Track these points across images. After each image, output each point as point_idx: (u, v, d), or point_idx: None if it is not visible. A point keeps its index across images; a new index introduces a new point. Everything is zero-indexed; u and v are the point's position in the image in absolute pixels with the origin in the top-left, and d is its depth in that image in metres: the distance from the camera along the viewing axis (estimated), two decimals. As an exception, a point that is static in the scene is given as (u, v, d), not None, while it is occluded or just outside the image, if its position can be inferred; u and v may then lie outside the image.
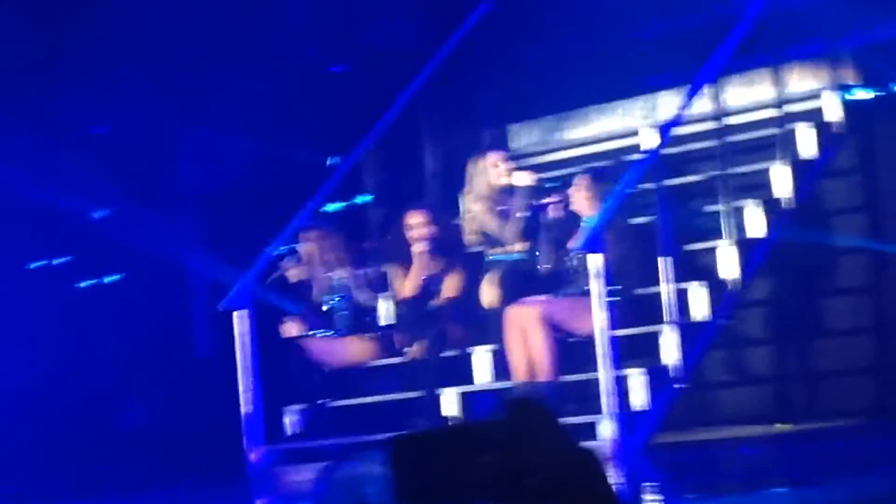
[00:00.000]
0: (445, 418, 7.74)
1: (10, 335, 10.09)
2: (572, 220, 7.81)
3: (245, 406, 7.98)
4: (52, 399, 10.00)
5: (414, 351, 7.89)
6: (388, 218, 8.70)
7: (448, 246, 8.22)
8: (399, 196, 8.76)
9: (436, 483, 2.87)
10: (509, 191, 8.20)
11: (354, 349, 8.22)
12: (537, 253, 7.85)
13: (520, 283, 7.82)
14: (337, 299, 8.26)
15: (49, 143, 10.14)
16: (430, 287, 8.11)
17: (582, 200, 7.77)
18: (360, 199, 9.31)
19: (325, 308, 8.27)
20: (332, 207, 9.34)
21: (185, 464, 8.83)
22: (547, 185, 8.19)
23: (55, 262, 10.81)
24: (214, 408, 8.75)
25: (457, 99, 9.39)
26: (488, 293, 8.01)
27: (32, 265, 10.73)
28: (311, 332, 8.25)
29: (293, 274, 8.30)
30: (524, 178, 8.12)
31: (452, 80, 9.27)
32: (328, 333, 8.24)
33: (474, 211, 8.28)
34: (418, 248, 8.11)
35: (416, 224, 8.17)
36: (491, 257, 8.15)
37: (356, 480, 3.93)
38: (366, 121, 9.04)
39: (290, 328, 8.29)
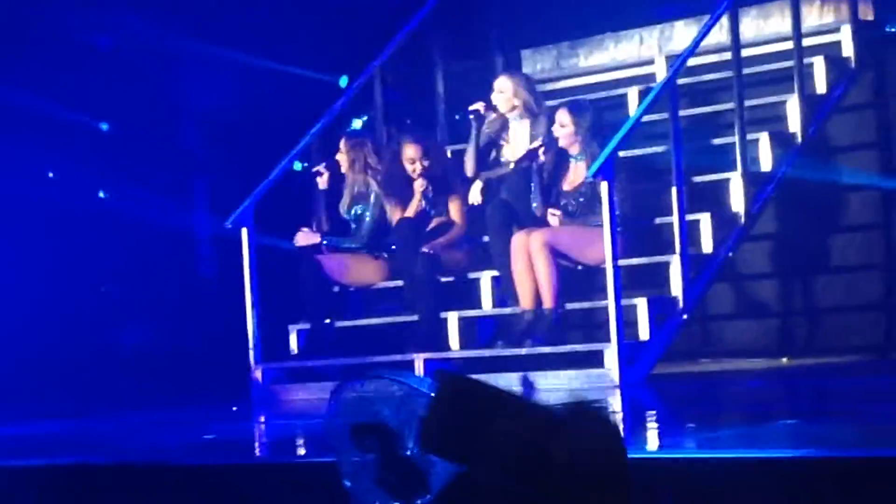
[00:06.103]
0: (447, 343, 7.74)
1: (9, 247, 10.01)
2: (563, 157, 7.70)
3: (249, 323, 7.99)
4: (53, 314, 9.95)
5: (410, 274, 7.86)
6: (393, 139, 8.64)
7: (450, 172, 8.15)
8: (410, 119, 8.69)
9: (471, 434, 2.76)
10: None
11: (365, 269, 8.18)
12: (532, 197, 7.72)
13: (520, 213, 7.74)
14: (365, 208, 8.21)
15: (51, 54, 10.03)
16: (428, 213, 8.06)
17: (565, 136, 7.65)
18: (367, 119, 9.24)
19: (351, 215, 8.25)
20: (343, 128, 9.24)
21: (188, 381, 8.82)
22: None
23: (58, 174, 10.73)
24: (219, 326, 8.75)
25: (469, 21, 9.29)
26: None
27: (35, 175, 10.65)
28: (324, 243, 8.21)
29: (323, 181, 8.29)
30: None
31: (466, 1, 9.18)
32: (345, 246, 8.19)
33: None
34: (417, 182, 8.02)
35: (413, 157, 8.05)
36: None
37: (370, 399, 3.91)
38: (375, 42, 8.95)
39: (303, 241, 8.23)
